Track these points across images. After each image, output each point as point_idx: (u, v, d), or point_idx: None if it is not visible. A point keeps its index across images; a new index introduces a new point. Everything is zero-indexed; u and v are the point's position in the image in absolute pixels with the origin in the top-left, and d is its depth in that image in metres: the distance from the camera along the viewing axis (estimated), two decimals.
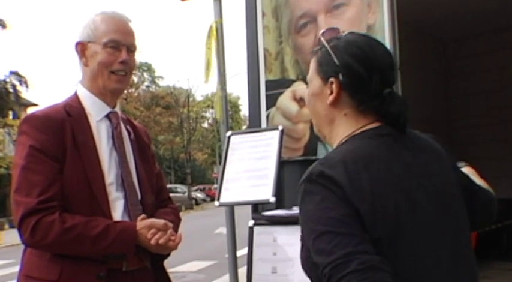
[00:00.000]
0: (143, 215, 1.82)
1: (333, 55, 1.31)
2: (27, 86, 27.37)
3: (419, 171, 1.25)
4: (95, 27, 1.89)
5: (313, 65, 1.38)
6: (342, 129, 1.32)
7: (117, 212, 1.83)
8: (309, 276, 1.26)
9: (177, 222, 2.05)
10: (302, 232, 1.23)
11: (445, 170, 1.32)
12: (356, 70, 1.28)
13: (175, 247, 1.87)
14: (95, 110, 1.90)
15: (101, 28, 1.88)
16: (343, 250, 1.07)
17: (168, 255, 1.95)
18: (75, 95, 1.94)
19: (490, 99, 6.17)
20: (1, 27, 25.95)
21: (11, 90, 27.07)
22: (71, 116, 1.84)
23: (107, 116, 1.92)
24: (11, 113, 28.49)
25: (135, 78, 39.58)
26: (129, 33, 1.93)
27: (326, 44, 1.34)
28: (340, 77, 1.29)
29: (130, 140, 1.99)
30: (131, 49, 1.92)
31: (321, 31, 1.39)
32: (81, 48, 1.91)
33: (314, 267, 1.17)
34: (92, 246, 1.72)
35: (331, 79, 1.30)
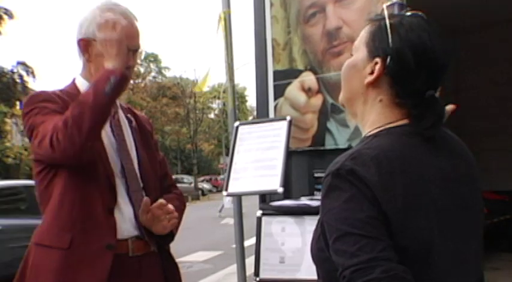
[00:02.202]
0: (146, 198, 1.82)
1: (389, 34, 1.18)
2: (34, 77, 27.49)
3: (448, 177, 1.17)
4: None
5: (364, 34, 1.26)
6: (375, 115, 1.22)
7: (120, 198, 1.84)
8: (317, 267, 1.23)
9: (181, 207, 2.05)
10: (321, 224, 1.17)
11: (473, 177, 1.25)
12: (407, 61, 1.16)
13: (170, 227, 1.87)
14: None
15: None
16: (368, 255, 1.01)
17: (172, 238, 1.95)
18: (73, 83, 1.92)
19: (499, 90, 6.13)
20: (8, 18, 25.99)
21: (18, 80, 27.18)
22: (69, 103, 1.79)
23: None
24: (18, 103, 28.59)
25: (141, 69, 39.59)
26: (137, 36, 1.90)
27: (387, 19, 1.21)
28: (388, 60, 1.18)
29: (131, 127, 1.99)
30: (136, 50, 1.90)
31: (388, 3, 1.29)
32: (85, 44, 1.86)
33: (325, 261, 1.15)
34: (95, 96, 1.68)
35: (377, 59, 1.19)
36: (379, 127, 1.20)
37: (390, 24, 1.19)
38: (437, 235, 1.11)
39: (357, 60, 1.24)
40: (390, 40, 1.17)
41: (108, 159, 1.83)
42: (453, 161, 1.21)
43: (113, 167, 1.84)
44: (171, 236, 1.93)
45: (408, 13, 1.25)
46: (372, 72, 1.20)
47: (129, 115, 2.02)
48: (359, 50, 1.25)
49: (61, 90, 1.90)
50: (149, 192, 1.92)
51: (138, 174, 1.92)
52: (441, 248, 1.11)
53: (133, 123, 2.01)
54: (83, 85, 1.90)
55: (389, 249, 1.03)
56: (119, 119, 1.94)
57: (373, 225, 1.05)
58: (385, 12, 1.22)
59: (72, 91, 1.88)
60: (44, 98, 1.81)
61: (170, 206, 1.86)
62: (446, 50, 1.21)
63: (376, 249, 1.02)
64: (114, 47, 1.76)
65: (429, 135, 1.18)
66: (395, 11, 1.26)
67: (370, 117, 1.23)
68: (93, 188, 1.80)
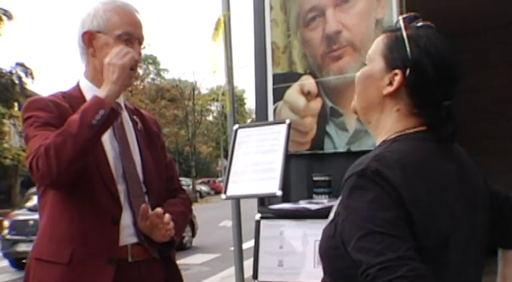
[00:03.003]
0: (144, 205, 1.78)
1: (407, 46, 1.21)
2: (32, 78, 27.41)
3: (459, 182, 1.21)
4: (107, 17, 1.82)
5: (380, 45, 1.27)
6: (391, 123, 1.24)
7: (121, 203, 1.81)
8: (327, 265, 1.24)
9: (186, 212, 2.03)
10: (335, 224, 1.20)
11: (480, 185, 1.29)
12: (427, 72, 1.19)
13: (168, 236, 1.82)
14: None
15: (114, 19, 1.82)
16: (394, 253, 1.03)
17: (173, 245, 1.90)
18: (77, 86, 1.91)
19: (499, 94, 6.14)
20: (7, 19, 25.97)
21: (16, 81, 27.13)
22: (71, 106, 1.79)
23: None
24: (16, 104, 28.56)
25: (140, 71, 39.59)
26: (140, 25, 1.89)
27: (404, 31, 1.23)
28: (407, 72, 1.20)
29: (137, 129, 1.95)
30: (141, 42, 1.88)
31: (404, 15, 1.29)
32: (89, 37, 1.84)
33: (338, 258, 1.16)
34: (80, 127, 1.63)
35: (397, 70, 1.21)
36: (396, 133, 1.23)
37: (407, 35, 1.22)
38: (454, 237, 1.15)
39: (374, 71, 1.26)
40: (409, 52, 1.20)
41: (109, 165, 1.79)
42: (463, 168, 1.25)
43: (114, 172, 1.80)
44: (172, 243, 1.88)
45: (420, 23, 1.26)
46: (390, 83, 1.22)
47: (135, 116, 1.98)
48: (375, 61, 1.26)
49: (64, 93, 1.88)
50: (152, 197, 1.89)
51: (142, 178, 1.88)
52: (455, 250, 1.15)
53: (139, 125, 1.97)
54: (86, 87, 1.88)
55: (413, 249, 1.06)
56: (122, 121, 1.90)
57: (398, 225, 1.08)
58: (402, 24, 1.24)
59: (75, 94, 1.87)
60: (40, 106, 1.78)
61: (167, 217, 1.79)
62: (459, 60, 1.23)
63: (402, 248, 1.05)
64: (115, 73, 1.72)
65: (449, 143, 1.21)
66: (411, 22, 1.27)
67: (386, 126, 1.25)
68: (92, 198, 1.75)
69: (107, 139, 1.82)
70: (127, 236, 1.80)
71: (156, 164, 1.96)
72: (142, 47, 1.91)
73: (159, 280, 1.88)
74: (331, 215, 1.26)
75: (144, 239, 1.82)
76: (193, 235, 12.14)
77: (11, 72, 27.10)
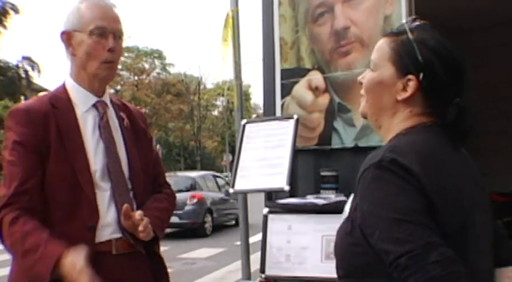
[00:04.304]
0: (126, 205, 1.77)
1: (416, 49, 1.21)
2: (39, 72, 27.50)
3: (466, 175, 1.23)
4: (80, 15, 1.85)
5: (387, 50, 1.27)
6: (403, 123, 1.25)
7: (104, 202, 1.82)
8: (345, 262, 1.23)
9: (169, 208, 2.05)
10: (352, 219, 1.19)
11: (478, 176, 1.30)
12: (440, 74, 1.20)
13: (148, 238, 1.83)
14: (81, 101, 1.88)
15: (86, 15, 1.84)
16: (422, 240, 1.04)
17: (157, 241, 1.92)
18: (63, 86, 1.92)
19: (499, 92, 6.12)
20: (14, 13, 26.03)
21: (23, 75, 27.22)
22: (56, 108, 1.82)
23: (94, 106, 1.89)
24: (22, 98, 28.65)
25: (146, 65, 39.64)
26: (115, 19, 1.88)
27: (410, 34, 1.23)
28: (421, 76, 1.20)
29: (123, 127, 1.96)
30: (118, 35, 1.88)
31: (407, 19, 1.29)
32: (67, 37, 1.87)
33: (359, 255, 1.16)
34: (21, 259, 1.71)
35: (410, 76, 1.21)
36: (406, 129, 1.23)
37: (415, 39, 1.22)
38: (471, 224, 1.16)
39: (384, 77, 1.25)
40: (419, 56, 1.20)
41: (90, 170, 1.81)
42: (468, 162, 1.27)
43: (98, 172, 1.82)
44: (156, 238, 1.90)
45: (416, 23, 1.27)
46: (404, 88, 1.22)
47: (121, 113, 1.99)
48: (383, 67, 1.26)
49: (51, 95, 1.91)
50: (138, 193, 1.92)
51: (127, 175, 1.90)
52: (475, 238, 1.17)
53: (125, 121, 1.98)
54: (71, 86, 1.91)
55: (438, 234, 1.07)
56: (107, 120, 1.91)
57: (420, 212, 1.08)
58: (407, 28, 1.25)
59: (61, 95, 1.89)
60: (18, 121, 1.80)
61: (144, 221, 1.78)
62: (464, 56, 1.24)
63: (427, 234, 1.05)
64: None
65: (466, 137, 1.23)
66: (415, 25, 1.27)
67: (398, 126, 1.25)
68: (71, 209, 1.77)
69: (92, 138, 1.85)
70: (110, 233, 1.82)
71: (142, 160, 1.97)
72: (122, 40, 1.90)
73: (145, 272, 1.90)
74: (346, 212, 1.26)
75: (129, 235, 1.83)
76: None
77: (17, 66, 27.19)
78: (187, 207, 12.60)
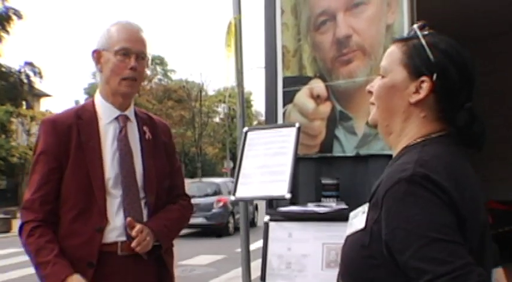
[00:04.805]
0: (129, 219, 1.95)
1: (428, 51, 1.21)
2: (41, 77, 27.59)
3: (478, 185, 1.22)
4: (109, 36, 2.06)
5: (398, 54, 1.27)
6: (416, 129, 1.24)
7: (113, 208, 1.99)
8: (357, 275, 1.20)
9: (180, 219, 2.19)
10: (372, 232, 1.17)
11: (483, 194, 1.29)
12: (452, 76, 1.20)
13: (142, 250, 1.98)
14: (105, 113, 2.08)
15: (114, 37, 2.05)
16: (461, 260, 1.02)
17: (160, 249, 2.05)
18: (92, 100, 2.13)
19: (501, 100, 6.12)
20: (17, 18, 26.12)
21: (25, 80, 27.29)
22: (81, 119, 2.04)
23: (116, 119, 2.08)
24: (24, 103, 28.70)
25: (147, 71, 39.58)
26: (140, 41, 2.07)
27: (421, 37, 1.24)
28: (434, 77, 1.20)
29: (144, 139, 2.11)
30: (141, 56, 2.06)
31: (417, 24, 1.29)
32: (97, 55, 2.08)
33: (372, 268, 1.15)
34: (34, 268, 1.92)
35: (424, 78, 1.21)
36: (420, 137, 1.22)
37: (426, 41, 1.22)
38: (485, 240, 1.16)
39: (396, 81, 1.25)
40: (431, 57, 1.20)
41: (104, 180, 1.98)
42: (473, 171, 1.25)
43: (108, 180, 1.99)
44: (159, 246, 2.05)
45: (425, 32, 1.27)
46: (416, 91, 1.22)
47: (145, 126, 2.14)
48: (394, 71, 1.25)
49: (80, 107, 2.15)
50: (150, 202, 2.07)
51: (141, 185, 2.05)
52: (486, 252, 1.17)
53: (147, 134, 2.14)
54: (98, 102, 2.11)
55: (468, 251, 1.05)
56: (126, 133, 2.08)
57: (454, 230, 1.07)
58: (418, 32, 1.25)
59: (88, 107, 2.11)
60: (45, 130, 2.02)
61: (139, 237, 1.95)
62: (474, 61, 1.24)
63: (464, 254, 1.04)
64: None
65: (481, 143, 1.23)
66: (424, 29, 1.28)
67: (410, 132, 1.24)
68: (83, 212, 1.97)
69: (110, 148, 2.03)
70: (116, 236, 1.99)
71: (158, 171, 2.11)
72: (145, 61, 2.10)
73: (148, 274, 2.04)
74: (362, 223, 1.22)
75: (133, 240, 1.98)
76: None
77: (19, 71, 27.29)
78: (214, 210, 14.55)
